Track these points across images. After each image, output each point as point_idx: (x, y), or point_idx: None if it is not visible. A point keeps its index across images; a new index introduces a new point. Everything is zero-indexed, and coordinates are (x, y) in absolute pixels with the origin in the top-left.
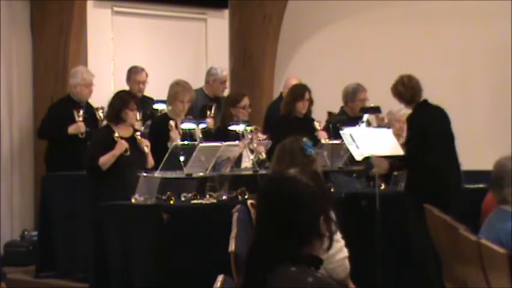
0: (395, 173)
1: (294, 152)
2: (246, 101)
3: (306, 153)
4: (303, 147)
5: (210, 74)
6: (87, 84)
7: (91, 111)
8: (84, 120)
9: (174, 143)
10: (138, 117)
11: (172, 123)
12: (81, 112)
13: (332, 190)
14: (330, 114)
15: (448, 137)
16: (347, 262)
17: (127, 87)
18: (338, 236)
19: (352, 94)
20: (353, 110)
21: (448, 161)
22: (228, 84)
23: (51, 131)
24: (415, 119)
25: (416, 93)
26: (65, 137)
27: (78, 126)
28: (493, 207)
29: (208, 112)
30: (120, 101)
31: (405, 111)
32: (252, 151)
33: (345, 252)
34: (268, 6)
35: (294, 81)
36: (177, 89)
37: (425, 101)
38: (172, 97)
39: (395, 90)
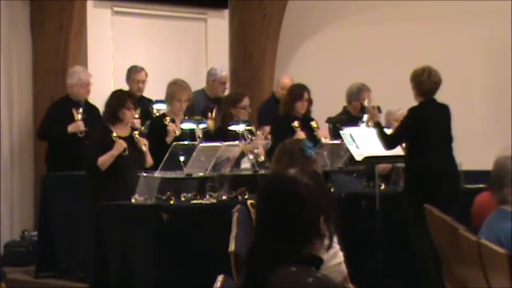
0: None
1: (294, 152)
2: (246, 101)
3: (305, 154)
4: (302, 148)
5: (209, 74)
6: (83, 84)
7: (91, 111)
8: (83, 120)
9: (172, 137)
10: (136, 115)
11: (168, 118)
12: (81, 110)
13: (332, 190)
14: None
15: (447, 136)
16: (343, 266)
17: (127, 87)
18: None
19: (357, 93)
20: (356, 109)
21: (446, 161)
22: (228, 84)
23: (50, 131)
24: (415, 112)
25: (433, 90)
26: (65, 136)
27: (77, 125)
28: (485, 209)
29: (210, 114)
30: (117, 101)
31: (403, 110)
32: (251, 152)
33: (340, 258)
34: (268, 6)
35: (286, 80)
36: (174, 88)
37: (434, 99)
38: (170, 96)
39: (418, 77)
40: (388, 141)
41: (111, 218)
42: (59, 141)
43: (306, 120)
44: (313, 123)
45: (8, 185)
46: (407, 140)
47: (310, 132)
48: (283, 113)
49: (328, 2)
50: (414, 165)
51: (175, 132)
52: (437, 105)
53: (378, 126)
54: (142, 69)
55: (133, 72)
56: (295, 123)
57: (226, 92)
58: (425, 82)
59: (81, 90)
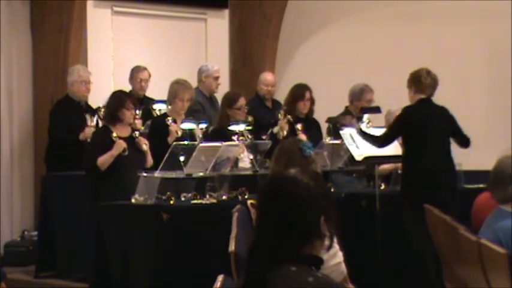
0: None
1: (293, 152)
2: (242, 101)
3: (304, 154)
4: (301, 148)
5: (201, 71)
6: (82, 81)
7: (90, 112)
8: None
9: (174, 137)
10: (138, 115)
11: (170, 118)
12: (95, 118)
13: (332, 190)
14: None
15: (443, 136)
16: (342, 266)
17: (127, 87)
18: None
19: (359, 94)
20: (358, 109)
21: (442, 160)
22: (221, 80)
23: (62, 135)
24: (408, 111)
25: (432, 87)
26: (76, 142)
27: (86, 133)
28: (485, 209)
29: None
30: (117, 101)
31: None
32: (251, 151)
33: (339, 257)
34: (268, 6)
35: (269, 77)
36: (177, 87)
37: (431, 100)
38: (172, 95)
39: (416, 73)
40: (378, 140)
41: (111, 218)
42: (68, 144)
43: (308, 121)
44: (298, 126)
45: (8, 185)
46: (398, 137)
47: (313, 133)
48: (285, 113)
49: (328, 2)
50: (410, 165)
51: (177, 133)
52: (434, 106)
53: (361, 132)
54: (145, 68)
55: (136, 71)
56: (299, 126)
57: (221, 88)
58: (424, 77)
59: (81, 87)
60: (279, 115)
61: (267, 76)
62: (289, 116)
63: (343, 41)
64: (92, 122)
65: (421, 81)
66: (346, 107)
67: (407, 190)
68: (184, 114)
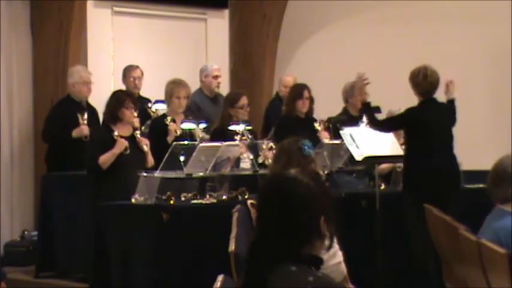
0: (398, 167)
1: (292, 152)
2: (244, 101)
3: (303, 154)
4: (301, 148)
5: (201, 71)
6: (84, 82)
7: (91, 112)
8: (87, 124)
9: (173, 137)
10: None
11: (169, 117)
12: (86, 116)
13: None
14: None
15: (447, 136)
16: (342, 266)
17: (124, 87)
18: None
19: (351, 89)
20: (355, 106)
21: (446, 161)
22: (221, 79)
23: (54, 134)
24: (411, 113)
25: (430, 91)
26: (69, 140)
27: (81, 130)
28: None
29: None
30: (116, 101)
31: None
32: (251, 151)
33: (339, 257)
34: (268, 6)
35: (288, 79)
36: (172, 86)
37: (434, 99)
38: (168, 95)
39: (414, 78)
40: (375, 124)
41: (111, 218)
42: (62, 143)
43: (308, 120)
44: (316, 125)
45: (8, 185)
46: (398, 129)
47: (314, 132)
48: (285, 113)
49: (328, 2)
50: (413, 165)
51: (176, 132)
52: (437, 105)
53: (366, 106)
54: (137, 67)
55: (128, 70)
56: (317, 125)
57: (222, 88)
58: (421, 83)
59: (83, 88)
60: (262, 145)
61: (288, 78)
62: (271, 144)
63: (343, 41)
64: (83, 120)
65: (418, 88)
66: (344, 107)
67: (408, 190)
68: (183, 113)
